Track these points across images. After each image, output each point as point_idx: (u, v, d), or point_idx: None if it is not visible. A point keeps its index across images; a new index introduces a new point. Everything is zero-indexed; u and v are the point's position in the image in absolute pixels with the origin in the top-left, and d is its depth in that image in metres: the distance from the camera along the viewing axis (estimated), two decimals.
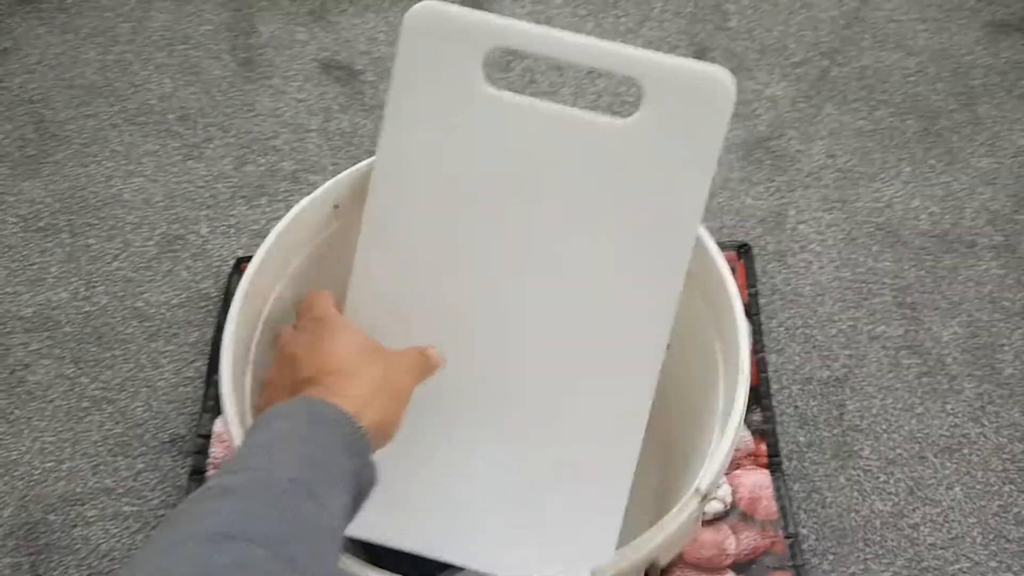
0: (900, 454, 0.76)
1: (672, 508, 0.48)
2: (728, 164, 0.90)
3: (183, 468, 0.74)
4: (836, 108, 0.95)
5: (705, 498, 0.49)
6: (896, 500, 0.74)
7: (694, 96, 0.48)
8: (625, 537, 0.49)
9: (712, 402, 0.57)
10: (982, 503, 0.74)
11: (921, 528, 0.73)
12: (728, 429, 0.49)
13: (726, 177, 0.89)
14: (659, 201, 0.50)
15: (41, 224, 0.86)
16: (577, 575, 0.47)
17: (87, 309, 0.82)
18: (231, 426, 0.49)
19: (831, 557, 0.71)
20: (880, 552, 0.72)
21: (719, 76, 0.48)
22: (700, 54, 0.97)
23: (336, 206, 0.58)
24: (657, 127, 0.49)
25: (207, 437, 0.71)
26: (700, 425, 0.59)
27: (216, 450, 0.71)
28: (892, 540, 0.73)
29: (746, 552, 0.68)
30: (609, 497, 0.51)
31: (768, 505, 0.70)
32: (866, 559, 0.72)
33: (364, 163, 0.57)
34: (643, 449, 0.51)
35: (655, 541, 0.47)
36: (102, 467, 0.74)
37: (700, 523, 0.69)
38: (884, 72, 0.97)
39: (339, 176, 0.57)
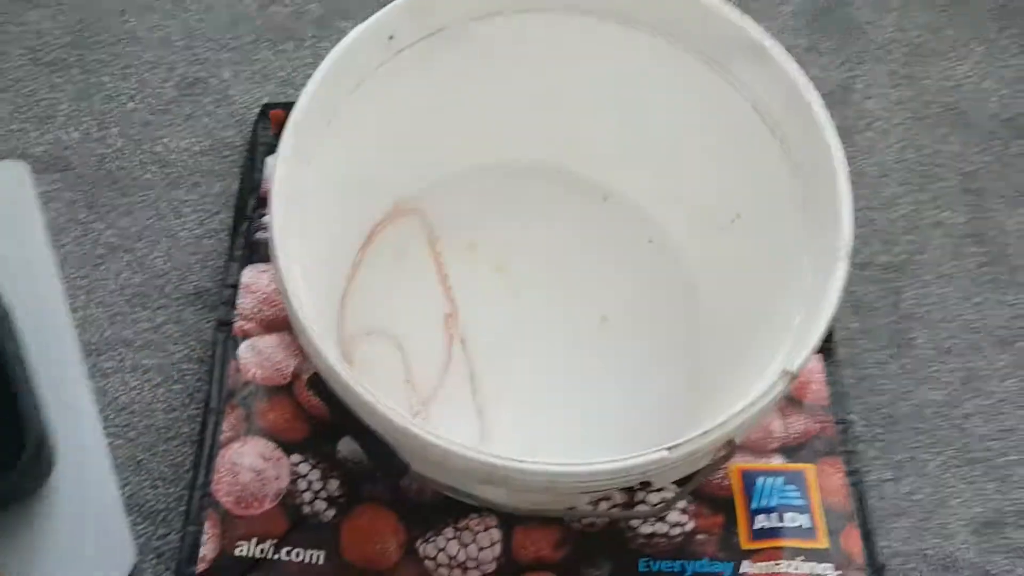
0: (956, 344, 0.73)
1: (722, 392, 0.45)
2: (794, 30, 0.84)
3: (208, 322, 0.70)
4: None
5: (794, 379, 0.45)
6: (949, 390, 0.71)
7: None
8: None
9: (790, 279, 0.53)
10: None
11: (972, 419, 0.71)
12: (825, 305, 0.45)
13: (790, 44, 0.82)
14: None
15: (50, 58, 0.80)
16: (655, 454, 0.43)
17: (101, 151, 0.76)
18: (284, 274, 0.44)
19: (879, 444, 0.69)
20: (929, 441, 0.70)
21: None
22: None
23: (391, 37, 0.52)
24: None
25: (235, 287, 0.67)
26: (770, 304, 0.56)
27: (245, 301, 0.66)
28: (943, 430, 0.70)
29: (795, 436, 0.65)
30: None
31: (819, 390, 0.67)
32: (914, 447, 0.69)
33: None
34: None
35: (738, 421, 0.44)
36: (119, 317, 0.70)
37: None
38: None
39: (396, 2, 0.52)
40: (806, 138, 0.52)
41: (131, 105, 0.78)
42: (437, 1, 0.55)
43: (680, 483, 0.51)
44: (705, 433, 0.43)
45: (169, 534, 0.64)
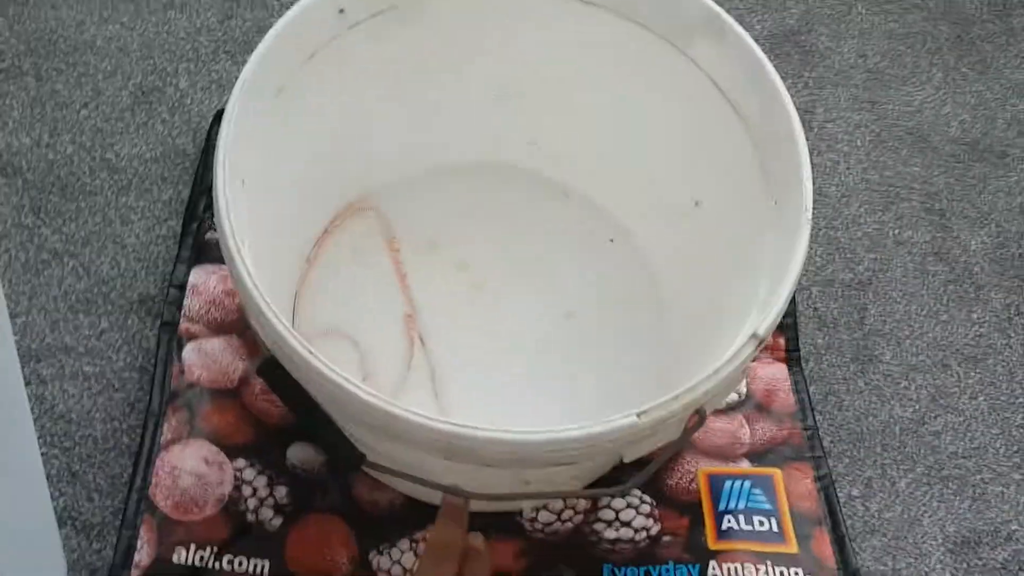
0: (923, 361, 0.72)
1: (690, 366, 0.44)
2: None
3: (152, 329, 0.67)
4: (867, 8, 0.89)
5: (761, 344, 0.44)
6: (917, 407, 0.70)
7: None
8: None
9: (754, 256, 0.52)
10: (1006, 414, 0.70)
11: (943, 436, 0.69)
12: (791, 267, 0.44)
13: None
14: None
15: (4, 65, 0.78)
16: (624, 419, 0.41)
17: (51, 157, 0.74)
18: (230, 240, 0.42)
19: (846, 460, 0.67)
20: (899, 458, 0.68)
21: None
22: None
23: (341, 10, 0.51)
24: None
25: (181, 288, 0.64)
26: (735, 283, 0.55)
27: (192, 302, 0.64)
28: (912, 446, 0.68)
29: (762, 442, 0.63)
30: None
31: (786, 398, 0.65)
32: (884, 464, 0.67)
33: None
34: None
35: (706, 386, 0.42)
36: (61, 324, 0.67)
37: (746, 375, 0.65)
38: None
39: None
40: (767, 111, 0.52)
41: (84, 113, 0.76)
42: None
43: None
44: (676, 397, 0.41)
45: (104, 548, 0.60)
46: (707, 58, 0.56)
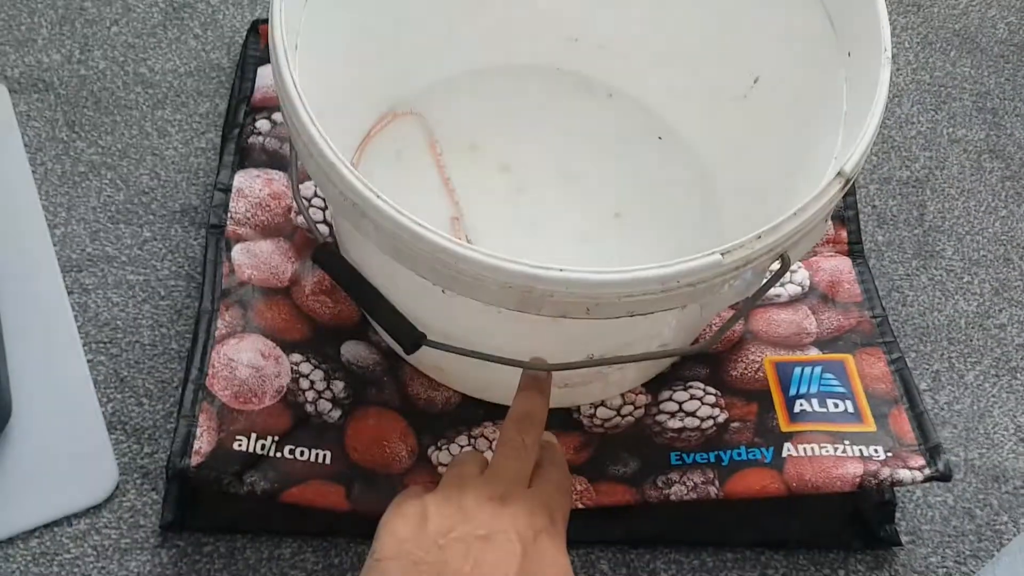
0: (984, 255, 0.70)
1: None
2: None
3: (196, 238, 0.65)
4: None
5: (848, 183, 0.42)
6: (981, 300, 0.68)
7: None
8: None
9: (822, 119, 0.50)
10: None
11: (1008, 328, 0.67)
12: (873, 111, 0.42)
13: None
14: None
15: None
16: (707, 258, 0.39)
17: (83, 72, 0.72)
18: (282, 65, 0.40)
19: (913, 355, 0.65)
20: (965, 351, 0.66)
21: None
22: None
23: None
24: None
25: (226, 191, 0.62)
26: (798, 157, 0.53)
27: (237, 205, 0.62)
28: (978, 339, 0.66)
29: (829, 331, 0.61)
30: None
31: (851, 288, 0.63)
32: (951, 357, 0.66)
33: None
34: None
35: (791, 224, 0.40)
36: (102, 234, 0.65)
37: (830, 222, 0.62)
38: None
39: None
40: None
41: (115, 29, 0.75)
42: None
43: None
44: (759, 236, 0.39)
45: (156, 452, 0.58)
46: None
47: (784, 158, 0.56)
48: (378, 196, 0.40)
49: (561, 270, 0.39)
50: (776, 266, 0.42)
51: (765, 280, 0.43)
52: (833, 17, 0.51)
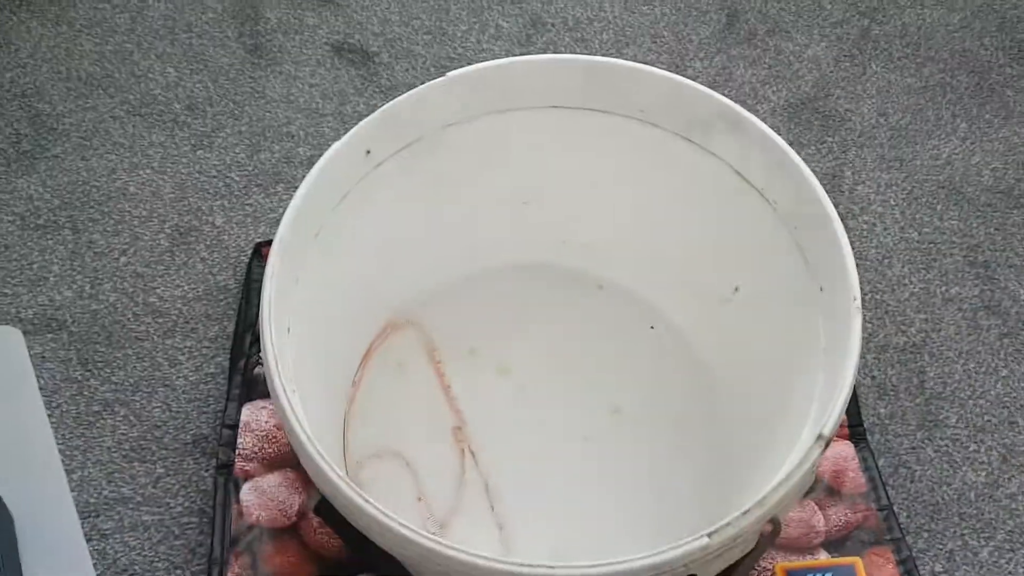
0: (989, 420, 0.70)
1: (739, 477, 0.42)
2: (774, 127, 0.84)
3: (207, 470, 0.67)
4: (882, 67, 0.89)
5: (828, 443, 0.43)
6: (989, 470, 0.68)
7: None
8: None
9: (805, 341, 0.51)
10: None
11: (1019, 498, 0.67)
12: (848, 361, 0.43)
13: None
14: None
15: (40, 221, 0.80)
16: (695, 542, 0.40)
17: (94, 307, 0.75)
18: (280, 391, 0.42)
19: (925, 535, 0.65)
20: (978, 526, 0.65)
21: None
22: (733, 17, 0.92)
23: (368, 152, 0.52)
24: None
25: (234, 428, 0.64)
26: (788, 372, 0.54)
27: (245, 440, 0.64)
28: (989, 512, 0.66)
29: (837, 528, 0.61)
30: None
31: (855, 477, 0.63)
32: (963, 534, 0.65)
33: (395, 101, 0.51)
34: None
35: (776, 496, 0.41)
36: (117, 475, 0.67)
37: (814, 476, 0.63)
38: (928, 29, 0.92)
39: (370, 118, 0.52)
40: (795, 195, 0.52)
41: (123, 259, 0.78)
42: (410, 113, 0.55)
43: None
44: (746, 513, 0.40)
45: None
46: (727, 150, 0.56)
47: (774, 364, 0.57)
48: (386, 515, 0.41)
49: (550, 568, 0.40)
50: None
51: (758, 541, 0.44)
52: (805, 251, 0.53)
